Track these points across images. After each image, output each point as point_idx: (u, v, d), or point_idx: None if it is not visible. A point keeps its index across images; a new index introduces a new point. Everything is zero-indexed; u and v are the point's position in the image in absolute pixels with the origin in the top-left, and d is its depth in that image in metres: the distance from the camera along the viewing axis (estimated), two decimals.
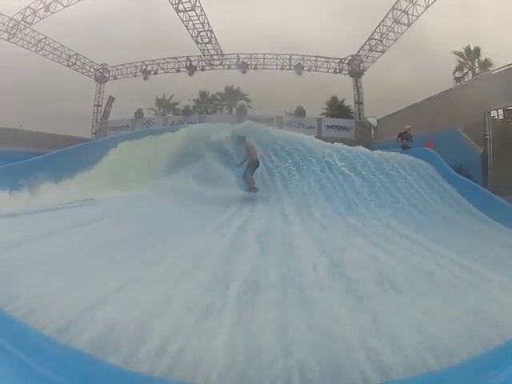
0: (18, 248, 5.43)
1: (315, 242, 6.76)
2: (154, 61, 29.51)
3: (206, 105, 32.47)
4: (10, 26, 26.28)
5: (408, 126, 16.26)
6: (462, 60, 25.14)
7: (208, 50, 28.76)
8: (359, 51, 26.96)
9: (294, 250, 6.12)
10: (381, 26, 25.18)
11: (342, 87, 28.53)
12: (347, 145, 13.59)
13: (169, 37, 27.16)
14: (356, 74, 27.71)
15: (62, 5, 26.21)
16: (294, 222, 8.68)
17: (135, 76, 30.17)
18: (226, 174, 12.34)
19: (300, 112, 26.56)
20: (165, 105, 32.44)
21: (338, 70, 28.14)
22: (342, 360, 3.11)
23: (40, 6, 26.24)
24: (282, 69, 28.34)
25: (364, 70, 27.40)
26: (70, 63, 29.17)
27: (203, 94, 32.11)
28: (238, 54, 28.73)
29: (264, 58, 28.50)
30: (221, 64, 29.21)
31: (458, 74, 25.19)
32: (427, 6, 23.31)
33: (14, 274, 4.45)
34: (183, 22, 26.73)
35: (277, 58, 28.34)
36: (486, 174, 14.78)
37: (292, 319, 3.72)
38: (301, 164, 12.25)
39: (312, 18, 26.18)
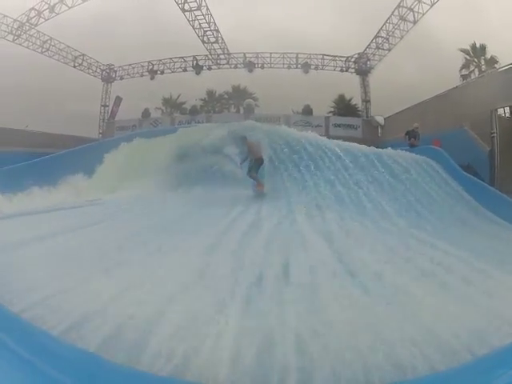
0: (25, 248, 5.54)
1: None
2: (160, 60, 29.45)
3: (213, 104, 32.52)
4: (15, 27, 26.25)
5: (416, 125, 16.28)
6: (468, 57, 25.09)
7: (214, 49, 28.69)
8: (366, 49, 26.89)
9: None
10: (387, 24, 25.11)
11: (349, 85, 28.51)
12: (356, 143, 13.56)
13: (175, 36, 27.10)
14: (363, 72, 27.65)
15: (66, 6, 26.17)
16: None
17: (142, 76, 30.08)
18: (232, 172, 12.25)
19: (307, 111, 26.56)
20: (172, 104, 32.46)
21: (344, 69, 28.08)
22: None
23: (45, 8, 26.21)
24: (289, 67, 28.21)
25: (371, 68, 27.30)
26: (76, 64, 29.13)
27: (210, 94, 32.20)
28: (244, 53, 28.70)
29: (271, 57, 28.43)
30: (227, 63, 29.16)
31: (464, 72, 25.15)
32: (432, 4, 23.28)
33: (22, 274, 4.54)
34: (189, 21, 26.63)
35: (283, 57, 28.25)
36: (493, 172, 14.76)
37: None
38: (303, 162, 12.13)
39: (318, 17, 26.24)
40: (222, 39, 28.17)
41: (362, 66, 27.61)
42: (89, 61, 29.62)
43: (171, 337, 3.36)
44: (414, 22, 24.28)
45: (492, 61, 23.77)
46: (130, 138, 16.03)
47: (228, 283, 4.58)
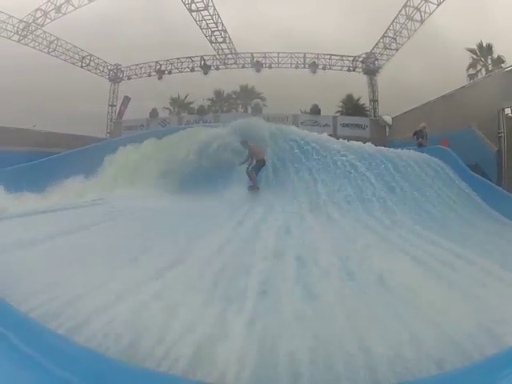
0: (32, 247, 5.58)
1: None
2: (168, 60, 29.49)
3: (221, 104, 32.48)
4: (21, 27, 26.34)
5: (423, 124, 16.35)
6: (475, 57, 25.05)
7: (222, 49, 28.71)
8: (373, 49, 26.88)
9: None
10: (394, 23, 25.11)
11: (357, 85, 28.47)
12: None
13: (183, 36, 27.00)
14: (371, 71, 27.63)
15: (73, 6, 26.17)
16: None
17: (149, 76, 30.08)
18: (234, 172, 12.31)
19: (315, 110, 26.55)
20: (179, 104, 32.43)
21: (351, 68, 28.07)
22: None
23: (51, 8, 26.26)
24: (297, 67, 28.20)
25: (379, 67, 27.25)
26: (83, 64, 29.22)
27: (218, 93, 32.16)
28: (252, 53, 28.71)
29: (278, 57, 28.42)
30: (235, 63, 29.17)
31: (471, 71, 25.13)
32: (439, 3, 23.28)
33: (29, 274, 4.56)
34: (196, 21, 26.66)
35: (291, 57, 28.25)
36: (500, 172, 14.80)
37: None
38: (305, 161, 12.11)
39: (325, 16, 26.22)
40: (230, 39, 28.15)
41: (369, 66, 27.55)
42: (96, 61, 29.65)
43: (179, 336, 3.43)
44: (421, 22, 24.25)
45: (499, 60, 23.74)
46: (135, 139, 16.04)
47: (236, 285, 4.63)
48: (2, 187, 13.41)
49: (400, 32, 25.23)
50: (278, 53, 28.38)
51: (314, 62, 27.89)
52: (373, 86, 27.87)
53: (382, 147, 13.55)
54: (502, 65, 22.54)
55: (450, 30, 23.09)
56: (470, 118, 16.92)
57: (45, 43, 27.61)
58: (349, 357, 3.23)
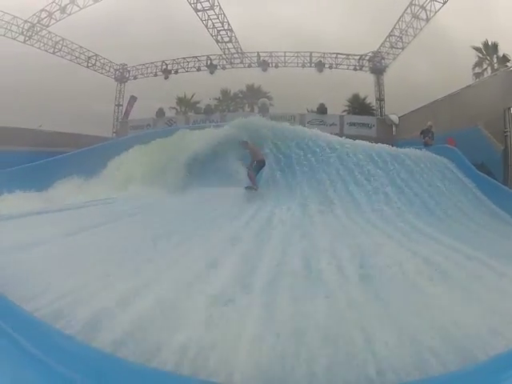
0: (38, 247, 5.63)
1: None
2: (174, 60, 29.46)
3: (228, 103, 32.44)
4: (26, 28, 26.41)
5: (429, 123, 16.36)
6: (480, 55, 24.97)
7: (228, 48, 28.72)
8: (379, 48, 26.85)
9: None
10: (400, 22, 25.10)
11: (363, 84, 28.45)
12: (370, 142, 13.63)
13: (189, 36, 26.92)
14: (377, 70, 27.58)
15: (78, 6, 26.20)
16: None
17: (156, 75, 30.04)
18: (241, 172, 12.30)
19: (322, 109, 26.47)
20: (186, 104, 32.34)
21: (358, 67, 28.00)
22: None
23: (56, 9, 26.29)
24: (303, 66, 28.13)
25: (385, 66, 27.19)
26: (89, 64, 29.28)
27: (224, 93, 32.08)
28: (258, 53, 28.64)
29: (284, 56, 28.36)
30: (241, 62, 29.16)
31: (477, 70, 25.06)
32: (444, 2, 23.24)
33: (35, 273, 4.58)
34: (202, 21, 26.71)
35: (297, 56, 28.19)
36: (506, 171, 14.76)
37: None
38: (306, 159, 12.24)
39: (331, 15, 26.14)
40: (236, 38, 28.15)
41: (376, 65, 27.48)
42: (102, 61, 29.64)
43: (184, 335, 3.48)
44: (427, 20, 24.22)
45: (504, 59, 23.69)
46: (142, 139, 16.14)
47: (243, 282, 4.74)
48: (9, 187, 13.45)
49: (406, 31, 25.20)
50: (285, 52, 28.30)
51: (321, 61, 27.81)
52: (379, 84, 27.78)
53: (388, 146, 13.55)
54: (508, 63, 22.58)
55: (456, 28, 23.04)
56: (476, 117, 16.94)
57: (50, 43, 27.63)
58: (354, 356, 3.27)
